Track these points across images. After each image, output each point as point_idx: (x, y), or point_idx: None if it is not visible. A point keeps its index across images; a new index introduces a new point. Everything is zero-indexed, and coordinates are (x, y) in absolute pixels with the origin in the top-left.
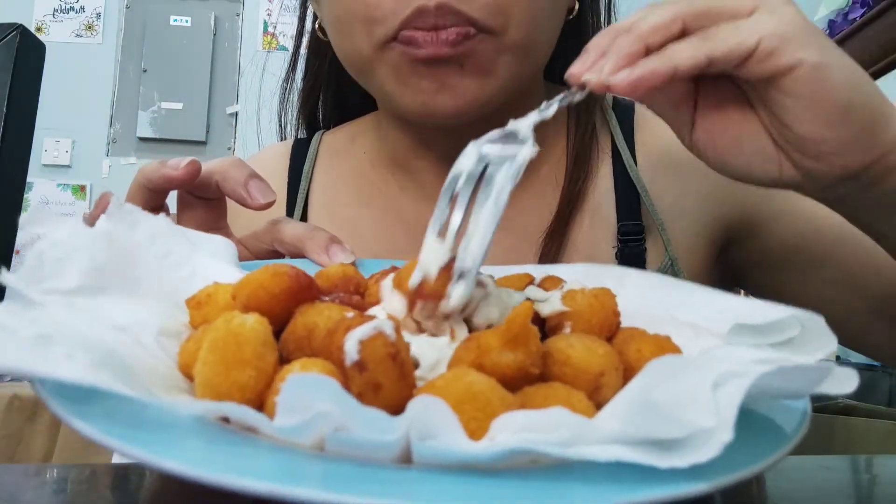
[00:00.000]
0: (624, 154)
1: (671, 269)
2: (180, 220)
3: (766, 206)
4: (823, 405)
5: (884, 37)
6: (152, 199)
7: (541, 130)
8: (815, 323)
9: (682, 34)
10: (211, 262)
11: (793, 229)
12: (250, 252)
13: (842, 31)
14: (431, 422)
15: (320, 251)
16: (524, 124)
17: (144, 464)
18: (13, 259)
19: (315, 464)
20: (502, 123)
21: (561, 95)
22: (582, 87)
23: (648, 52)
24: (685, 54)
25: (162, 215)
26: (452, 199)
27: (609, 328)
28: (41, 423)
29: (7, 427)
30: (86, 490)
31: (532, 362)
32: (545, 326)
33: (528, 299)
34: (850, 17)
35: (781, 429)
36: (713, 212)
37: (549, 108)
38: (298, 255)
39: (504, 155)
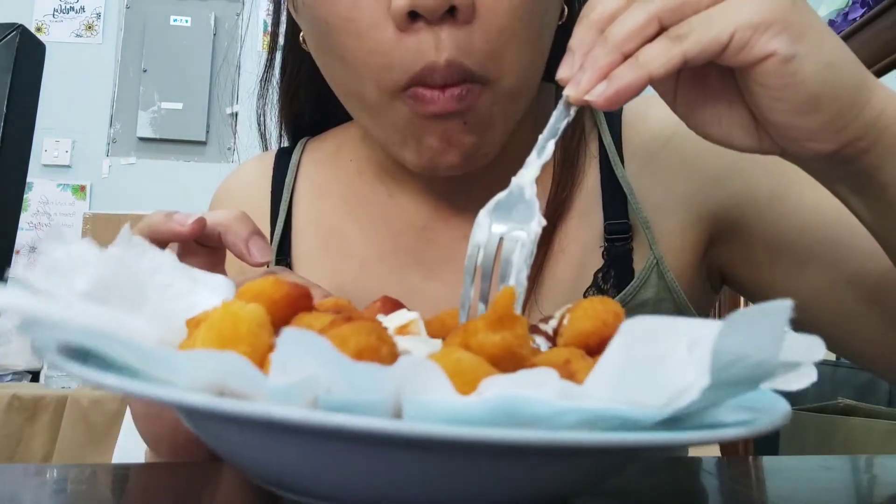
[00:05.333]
0: (611, 154)
1: (656, 267)
2: (182, 262)
3: (750, 205)
4: (823, 405)
5: (884, 37)
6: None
7: (531, 131)
8: (813, 351)
9: (659, 32)
10: (211, 296)
11: (775, 228)
12: None
13: (842, 32)
14: (421, 379)
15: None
16: (527, 181)
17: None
18: (13, 259)
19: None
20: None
21: (551, 121)
22: (567, 105)
23: (625, 58)
24: (659, 61)
25: (167, 251)
26: (475, 275)
27: (605, 323)
28: (41, 423)
29: (7, 427)
30: (86, 490)
31: (519, 343)
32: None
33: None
34: (850, 17)
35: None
36: (698, 211)
37: (547, 147)
38: None
39: (514, 228)
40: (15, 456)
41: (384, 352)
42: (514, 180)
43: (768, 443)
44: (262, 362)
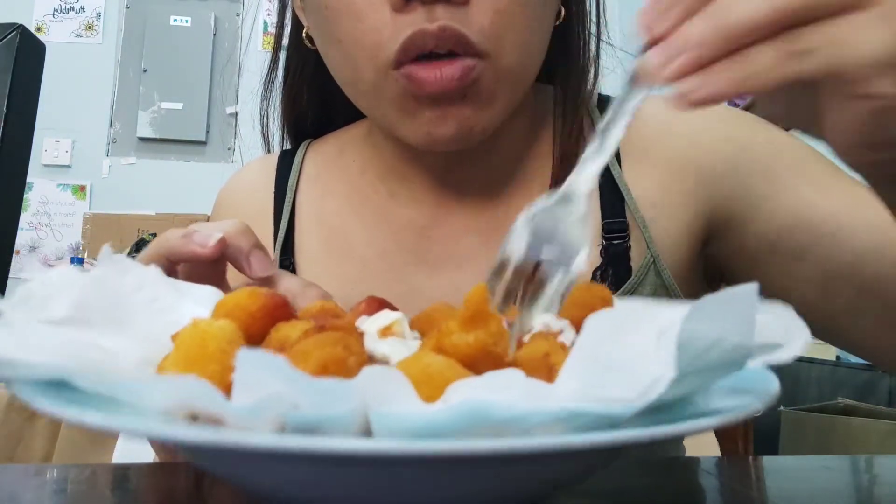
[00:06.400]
0: None
1: (653, 265)
2: (183, 274)
3: (746, 201)
4: (823, 405)
5: None
6: (168, 267)
7: (529, 130)
8: (786, 315)
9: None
10: (197, 309)
11: (770, 224)
12: None
13: None
14: (385, 390)
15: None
16: (583, 186)
17: (103, 428)
18: (13, 259)
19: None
20: (493, 141)
21: (617, 99)
22: (637, 80)
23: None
24: (768, 76)
25: (152, 265)
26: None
27: (593, 310)
28: (41, 423)
29: (7, 427)
30: (86, 490)
31: (494, 341)
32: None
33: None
34: None
35: (749, 396)
36: (694, 208)
37: (613, 135)
38: None
39: (555, 257)
40: (15, 456)
41: (351, 362)
42: (569, 181)
43: (768, 443)
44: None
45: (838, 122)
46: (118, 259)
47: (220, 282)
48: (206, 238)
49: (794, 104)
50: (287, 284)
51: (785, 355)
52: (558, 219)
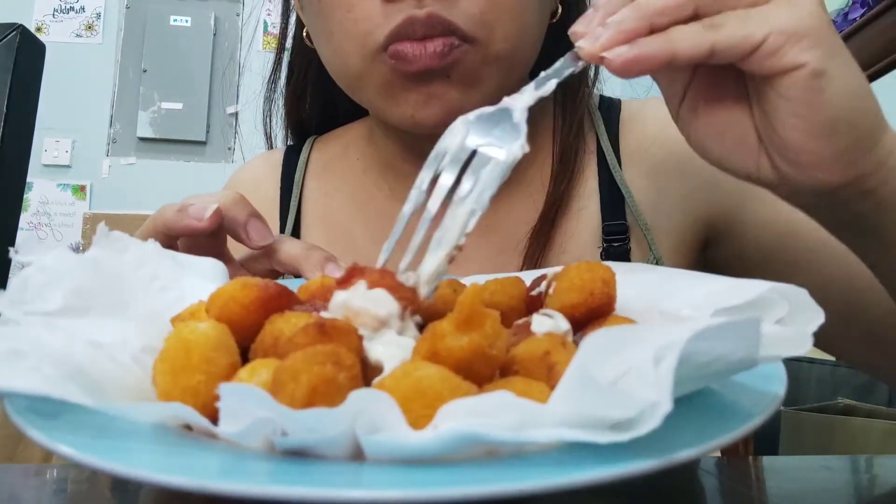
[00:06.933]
0: (608, 155)
1: None
2: (182, 247)
3: (745, 208)
4: (823, 405)
5: (884, 37)
6: (166, 242)
7: (528, 131)
8: (801, 298)
9: (692, 17)
10: (200, 283)
11: (769, 232)
12: (250, 273)
13: (842, 32)
14: (376, 414)
15: (316, 270)
16: (519, 105)
17: (96, 469)
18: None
19: (262, 462)
20: None
21: (557, 64)
22: (577, 58)
23: (651, 31)
24: (687, 42)
25: (150, 240)
26: (432, 183)
27: (592, 294)
28: None
29: (7, 427)
30: (86, 490)
31: (490, 343)
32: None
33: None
34: (850, 17)
35: (746, 411)
36: (694, 212)
37: (548, 84)
38: (296, 273)
39: (492, 144)
40: (15, 456)
41: (342, 379)
42: (505, 100)
43: (768, 443)
44: (228, 379)
45: (784, 110)
46: (116, 237)
47: (220, 252)
48: (201, 211)
49: (735, 138)
50: (289, 249)
51: (800, 349)
52: (496, 121)
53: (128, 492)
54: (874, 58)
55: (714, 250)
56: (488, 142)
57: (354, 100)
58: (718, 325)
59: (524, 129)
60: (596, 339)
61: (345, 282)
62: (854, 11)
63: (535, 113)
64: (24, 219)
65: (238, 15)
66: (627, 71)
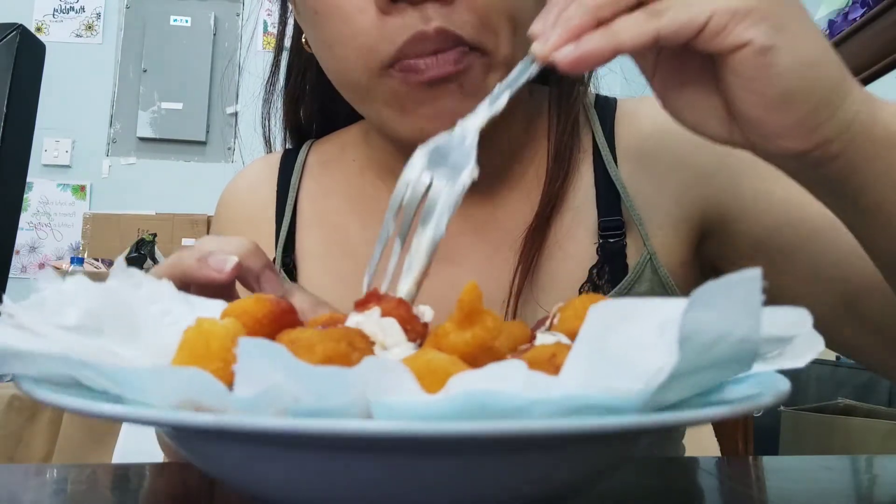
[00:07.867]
0: (604, 151)
1: (650, 262)
2: (195, 290)
3: (736, 200)
4: (823, 405)
5: (884, 37)
6: (181, 285)
7: (524, 129)
8: (801, 322)
9: (637, 5)
10: None
11: (762, 222)
12: None
13: (842, 31)
14: (387, 379)
15: None
16: (472, 126)
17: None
18: (13, 259)
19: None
20: (488, 139)
21: (513, 73)
22: (532, 61)
23: (599, 23)
24: (630, 33)
25: (165, 280)
26: (398, 212)
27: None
28: (41, 423)
29: (7, 427)
30: (86, 490)
31: (492, 336)
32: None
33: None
34: (851, 17)
35: (754, 394)
36: (688, 206)
37: (501, 98)
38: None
39: (444, 175)
40: (15, 456)
41: (355, 358)
42: (459, 124)
43: (768, 443)
44: None
45: (737, 87)
46: (132, 273)
47: (230, 296)
48: (222, 263)
49: (707, 109)
50: (298, 302)
51: (799, 362)
52: (453, 146)
53: (128, 492)
54: (874, 58)
55: (709, 245)
56: (443, 172)
57: (358, 111)
58: (717, 284)
59: (473, 155)
60: (601, 311)
61: (362, 305)
62: (854, 11)
63: (530, 112)
64: (24, 219)
65: (238, 15)
66: (576, 68)
